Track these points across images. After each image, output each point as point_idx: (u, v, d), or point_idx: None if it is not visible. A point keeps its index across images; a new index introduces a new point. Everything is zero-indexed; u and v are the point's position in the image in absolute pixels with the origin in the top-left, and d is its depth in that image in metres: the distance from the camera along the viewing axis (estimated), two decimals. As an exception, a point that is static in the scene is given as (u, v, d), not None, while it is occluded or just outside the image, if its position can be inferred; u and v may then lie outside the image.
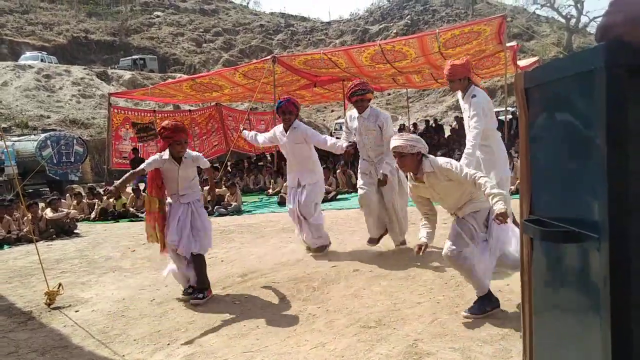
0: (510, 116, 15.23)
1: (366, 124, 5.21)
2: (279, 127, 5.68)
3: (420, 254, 3.47)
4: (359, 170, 5.49)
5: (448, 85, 4.57)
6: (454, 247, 3.39)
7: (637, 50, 1.06)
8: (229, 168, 15.15)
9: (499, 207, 3.01)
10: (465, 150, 4.33)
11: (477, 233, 3.40)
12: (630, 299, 1.04)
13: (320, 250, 5.62)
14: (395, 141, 3.39)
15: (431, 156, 3.46)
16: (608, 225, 1.06)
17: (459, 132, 17.43)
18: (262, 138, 5.93)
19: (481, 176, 3.23)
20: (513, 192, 8.73)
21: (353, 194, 10.09)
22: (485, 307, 3.40)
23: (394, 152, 3.43)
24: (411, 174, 3.48)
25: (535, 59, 20.71)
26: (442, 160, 3.41)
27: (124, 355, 3.38)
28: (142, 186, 12.72)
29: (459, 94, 4.60)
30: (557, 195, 1.37)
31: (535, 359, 1.49)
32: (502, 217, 3.00)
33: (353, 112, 5.38)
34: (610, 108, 1.06)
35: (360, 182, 5.42)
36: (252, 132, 6.17)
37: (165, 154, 4.43)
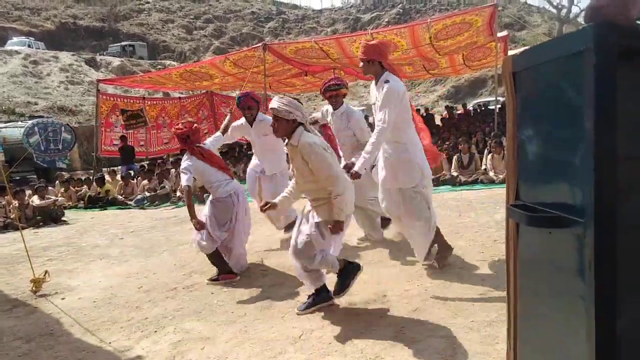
0: (500, 106, 15.27)
1: (339, 122, 5.06)
2: (241, 121, 5.44)
3: (263, 210, 3.61)
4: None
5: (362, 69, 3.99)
6: (302, 241, 3.38)
7: (626, 31, 1.04)
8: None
9: (337, 220, 3.22)
10: (365, 149, 3.81)
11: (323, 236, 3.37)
12: (615, 284, 1.04)
13: (290, 228, 5.38)
14: (274, 102, 3.24)
15: (309, 132, 3.30)
16: (594, 210, 1.05)
17: (450, 121, 17.48)
18: (228, 134, 5.46)
19: (338, 195, 3.17)
20: (501, 181, 8.79)
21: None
22: (319, 301, 3.58)
23: (271, 113, 3.28)
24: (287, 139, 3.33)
25: (526, 48, 20.71)
26: (312, 140, 3.21)
27: (110, 343, 3.35)
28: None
29: (372, 85, 4.09)
30: (543, 180, 1.36)
31: (520, 345, 1.49)
32: (337, 228, 3.23)
33: (329, 106, 5.18)
34: (598, 90, 1.05)
35: None
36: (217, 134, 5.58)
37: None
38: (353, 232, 5.64)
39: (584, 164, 1.11)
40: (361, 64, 3.97)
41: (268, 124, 5.16)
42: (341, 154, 5.14)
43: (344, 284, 3.48)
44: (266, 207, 3.54)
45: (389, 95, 3.74)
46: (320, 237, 3.31)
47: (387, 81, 3.81)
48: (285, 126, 3.25)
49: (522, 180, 1.46)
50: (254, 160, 5.70)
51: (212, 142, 5.12)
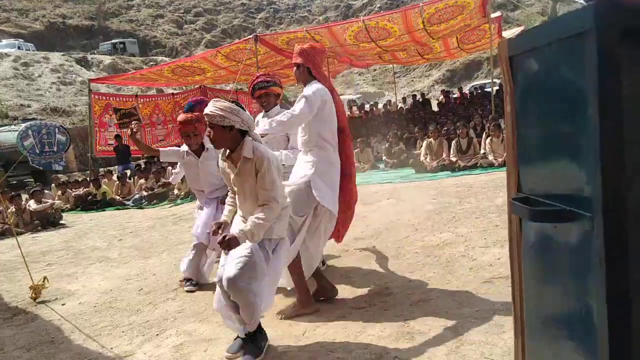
0: (497, 88, 15.16)
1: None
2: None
3: (219, 232, 2.87)
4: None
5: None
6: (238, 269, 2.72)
7: (629, 9, 0.97)
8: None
9: (238, 234, 2.65)
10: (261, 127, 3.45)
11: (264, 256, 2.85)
12: (628, 282, 0.98)
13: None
14: (208, 107, 2.78)
15: (261, 145, 2.83)
16: (601, 202, 0.99)
17: (447, 106, 17.38)
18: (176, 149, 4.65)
19: (262, 219, 2.69)
20: (501, 164, 8.74)
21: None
22: (261, 342, 2.90)
23: (207, 120, 2.79)
24: (226, 151, 2.88)
25: (520, 28, 20.52)
26: (269, 154, 2.79)
27: (112, 348, 3.31)
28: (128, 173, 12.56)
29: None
30: (546, 171, 1.29)
31: (528, 348, 1.43)
32: (228, 242, 2.63)
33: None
34: (601, 73, 0.98)
35: None
36: None
37: (185, 146, 4.44)
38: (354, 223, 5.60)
39: (589, 152, 1.04)
40: (294, 68, 3.64)
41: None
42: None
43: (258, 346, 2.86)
44: (221, 229, 2.91)
45: (306, 95, 3.41)
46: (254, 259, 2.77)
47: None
48: (221, 134, 2.75)
49: (524, 172, 1.39)
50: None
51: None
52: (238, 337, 2.96)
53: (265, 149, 2.84)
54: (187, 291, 4.23)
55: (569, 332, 1.23)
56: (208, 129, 2.80)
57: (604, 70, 0.99)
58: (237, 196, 3.01)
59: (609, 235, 0.99)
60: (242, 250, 2.76)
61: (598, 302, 1.03)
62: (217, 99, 2.85)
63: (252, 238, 2.70)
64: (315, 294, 3.58)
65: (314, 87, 3.45)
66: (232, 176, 2.92)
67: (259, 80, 3.96)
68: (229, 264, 2.77)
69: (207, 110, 2.76)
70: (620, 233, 0.99)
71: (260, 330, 2.92)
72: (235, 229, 2.87)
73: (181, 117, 4.35)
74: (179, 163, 4.77)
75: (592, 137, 1.02)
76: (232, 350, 2.94)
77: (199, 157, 4.40)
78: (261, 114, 4.10)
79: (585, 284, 1.09)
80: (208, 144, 4.35)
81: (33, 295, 4.52)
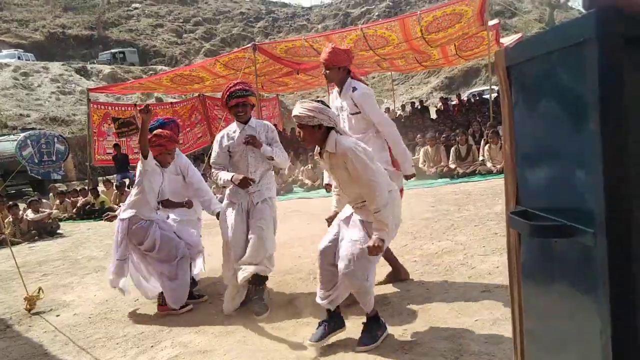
0: (495, 94, 15.17)
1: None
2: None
3: (330, 221, 3.20)
4: (226, 197, 3.92)
5: (326, 74, 3.70)
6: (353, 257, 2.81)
7: (630, 17, 0.93)
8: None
9: (376, 240, 2.69)
10: (395, 150, 3.63)
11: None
12: (635, 303, 0.92)
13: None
14: (296, 109, 2.90)
15: (344, 135, 2.93)
16: (605, 218, 0.93)
17: (445, 113, 17.38)
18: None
19: (377, 209, 2.72)
20: (499, 171, 8.71)
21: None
22: (377, 331, 2.94)
23: (296, 122, 2.92)
24: (318, 148, 2.99)
25: (518, 35, 20.58)
26: (351, 144, 2.84)
27: (106, 361, 3.26)
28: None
29: (334, 92, 3.85)
30: (545, 183, 1.24)
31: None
32: (376, 250, 2.68)
33: (230, 127, 3.91)
34: (603, 83, 0.93)
35: (228, 212, 3.83)
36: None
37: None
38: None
39: (590, 164, 0.99)
40: (325, 70, 3.66)
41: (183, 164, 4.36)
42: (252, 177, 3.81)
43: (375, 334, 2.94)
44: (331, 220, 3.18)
45: (364, 99, 3.59)
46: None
47: (354, 88, 3.61)
48: (311, 133, 2.86)
49: (523, 185, 1.34)
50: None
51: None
52: (322, 322, 3.01)
53: (348, 140, 2.88)
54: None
55: (570, 352, 1.17)
56: (297, 128, 2.93)
57: (606, 79, 0.94)
58: (339, 187, 3.13)
59: (613, 253, 0.94)
60: (356, 237, 2.86)
61: (602, 324, 0.97)
62: (303, 100, 2.97)
63: (386, 227, 2.74)
64: (390, 277, 3.92)
65: (360, 92, 3.60)
66: (328, 170, 3.08)
67: (237, 88, 3.75)
68: (344, 252, 2.85)
69: (295, 112, 2.88)
70: (624, 251, 0.93)
71: (377, 319, 2.97)
72: (345, 213, 3.06)
73: (165, 132, 4.07)
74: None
75: (594, 149, 0.97)
76: (316, 339, 2.94)
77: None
78: (235, 128, 3.85)
79: (589, 302, 1.03)
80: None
81: (28, 306, 4.47)
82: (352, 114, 3.63)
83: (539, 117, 1.25)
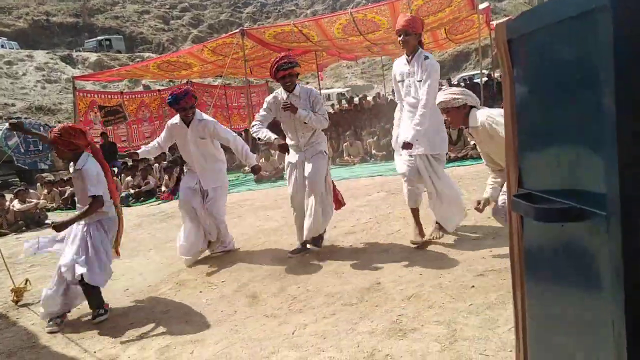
0: (485, 78, 15.11)
1: (298, 102, 4.28)
2: (175, 120, 4.76)
3: (481, 208, 3.40)
4: (286, 160, 4.57)
5: (400, 40, 4.02)
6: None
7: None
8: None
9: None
10: (415, 121, 3.92)
11: None
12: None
13: (215, 249, 5.00)
14: (439, 96, 3.28)
15: (483, 109, 3.22)
16: (619, 200, 0.85)
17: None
18: (155, 143, 4.95)
19: None
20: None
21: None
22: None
23: (440, 110, 3.34)
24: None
25: (508, 18, 20.50)
26: (493, 113, 3.10)
27: (95, 352, 3.20)
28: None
29: (401, 58, 4.17)
30: (552, 164, 1.16)
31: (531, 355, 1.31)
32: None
33: (279, 91, 4.45)
34: (618, 55, 0.85)
35: (289, 178, 4.51)
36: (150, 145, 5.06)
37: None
38: (345, 217, 5.51)
39: (603, 143, 0.91)
40: (401, 36, 3.99)
41: (208, 124, 4.63)
42: (290, 141, 4.47)
43: None
44: (482, 205, 3.42)
45: (434, 68, 3.94)
46: None
47: (426, 57, 3.99)
48: (457, 114, 3.21)
49: (526, 165, 1.26)
50: (190, 174, 4.90)
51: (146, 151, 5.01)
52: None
53: (481, 112, 3.15)
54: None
55: (578, 345, 1.11)
56: (444, 115, 3.35)
57: (621, 51, 0.86)
58: (490, 164, 3.37)
59: (627, 236, 0.86)
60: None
61: (615, 313, 0.90)
62: (445, 88, 3.50)
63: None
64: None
65: (431, 61, 3.97)
66: (479, 145, 3.34)
67: (283, 61, 4.22)
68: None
69: (440, 99, 3.24)
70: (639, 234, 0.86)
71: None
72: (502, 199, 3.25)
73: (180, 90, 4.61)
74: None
75: (608, 126, 0.89)
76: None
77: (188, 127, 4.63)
78: (281, 95, 4.39)
79: (599, 291, 0.96)
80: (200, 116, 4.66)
81: (15, 298, 4.39)
82: (420, 81, 3.97)
83: (544, 94, 1.16)
